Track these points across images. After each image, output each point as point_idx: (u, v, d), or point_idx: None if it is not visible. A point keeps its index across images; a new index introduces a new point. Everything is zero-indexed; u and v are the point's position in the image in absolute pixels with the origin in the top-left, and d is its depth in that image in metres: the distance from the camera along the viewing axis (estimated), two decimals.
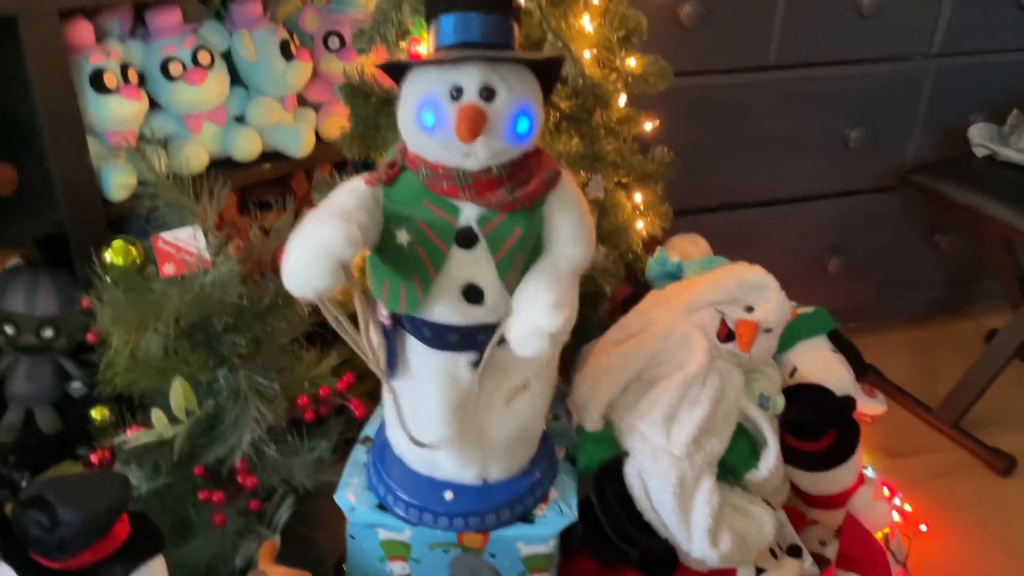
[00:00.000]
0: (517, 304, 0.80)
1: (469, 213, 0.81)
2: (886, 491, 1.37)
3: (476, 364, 0.87)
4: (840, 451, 1.20)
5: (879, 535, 1.21)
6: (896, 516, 1.34)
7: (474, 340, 0.85)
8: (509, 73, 0.77)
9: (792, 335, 1.28)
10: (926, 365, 1.87)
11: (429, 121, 0.77)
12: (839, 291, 1.85)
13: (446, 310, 0.83)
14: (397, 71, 0.81)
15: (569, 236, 0.84)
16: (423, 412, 0.90)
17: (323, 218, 0.77)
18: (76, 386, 1.20)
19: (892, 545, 1.24)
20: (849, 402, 1.22)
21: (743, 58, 1.56)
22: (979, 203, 1.56)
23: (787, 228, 1.75)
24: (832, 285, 1.83)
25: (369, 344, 0.84)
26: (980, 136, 1.66)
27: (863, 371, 1.29)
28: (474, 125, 0.74)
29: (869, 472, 1.40)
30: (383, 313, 0.86)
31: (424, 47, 1.02)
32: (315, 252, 0.73)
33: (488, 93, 0.76)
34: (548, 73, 0.82)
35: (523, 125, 0.79)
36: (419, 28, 1.00)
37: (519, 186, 0.81)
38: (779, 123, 1.63)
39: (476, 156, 0.78)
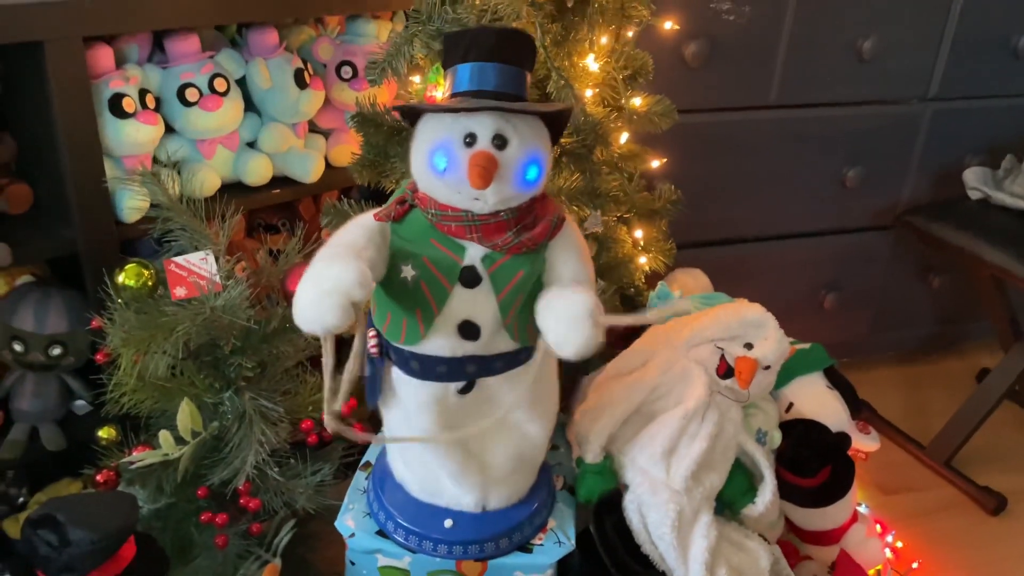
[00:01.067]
0: (542, 317, 0.82)
1: (474, 253, 0.83)
2: (878, 528, 1.39)
3: (463, 392, 0.89)
4: (835, 488, 1.21)
5: (871, 572, 1.22)
6: (888, 553, 1.35)
7: (462, 371, 0.87)
8: (521, 122, 0.80)
9: (789, 371, 1.30)
10: (917, 401, 1.89)
11: (441, 165, 0.80)
12: (833, 326, 1.87)
13: (440, 343, 0.85)
14: (412, 114, 0.84)
15: (569, 279, 0.86)
16: (412, 434, 0.91)
17: (334, 256, 0.78)
18: (81, 404, 1.21)
19: None
20: (845, 439, 1.24)
21: (745, 97, 1.59)
22: (972, 245, 1.58)
23: (784, 263, 1.77)
24: (826, 320, 1.85)
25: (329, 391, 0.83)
26: (975, 180, 1.69)
27: (858, 408, 1.31)
28: (486, 172, 0.77)
29: (863, 509, 1.41)
30: (371, 342, 0.88)
31: (439, 93, 1.04)
32: (326, 291, 0.75)
33: (500, 141, 0.79)
34: (557, 122, 0.85)
35: (532, 173, 0.81)
36: (435, 74, 1.02)
37: (525, 230, 0.83)
38: (779, 161, 1.66)
39: (486, 201, 0.80)
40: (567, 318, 0.79)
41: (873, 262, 1.84)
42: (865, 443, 1.34)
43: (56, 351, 1.13)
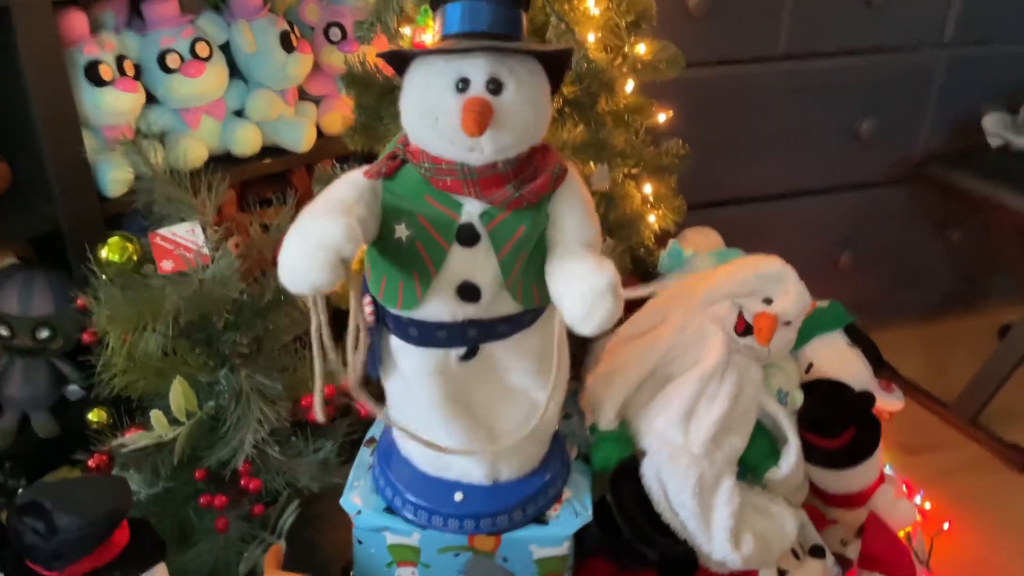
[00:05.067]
0: (558, 289, 0.77)
1: (471, 209, 0.78)
2: (904, 489, 1.34)
3: (465, 358, 0.84)
4: (861, 448, 1.17)
5: (901, 534, 1.17)
6: (917, 515, 1.31)
7: (464, 335, 0.82)
8: (518, 65, 0.75)
9: (808, 330, 1.25)
10: (938, 360, 1.83)
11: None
12: (850, 286, 1.81)
13: (438, 308, 0.80)
14: (400, 61, 0.78)
15: (574, 235, 0.81)
16: (419, 409, 0.87)
17: (322, 212, 0.74)
18: (73, 389, 1.17)
19: (914, 544, 1.20)
20: (868, 398, 1.19)
21: (752, 49, 1.53)
22: (993, 193, 1.53)
23: (797, 222, 1.71)
24: (843, 280, 1.80)
25: (353, 354, 0.79)
26: (994, 125, 1.63)
27: (881, 366, 1.26)
28: (481, 119, 0.72)
29: (888, 470, 1.37)
30: (367, 309, 0.83)
31: (429, 36, 0.99)
32: (314, 247, 0.70)
33: (495, 86, 0.74)
34: (558, 65, 0.79)
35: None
36: (424, 17, 0.97)
37: (525, 182, 0.78)
38: (788, 115, 1.60)
39: (481, 151, 0.75)
40: (587, 297, 0.74)
41: (890, 218, 1.79)
42: (889, 402, 1.29)
43: (43, 334, 1.09)
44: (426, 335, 0.82)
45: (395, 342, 0.85)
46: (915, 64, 1.64)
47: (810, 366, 1.24)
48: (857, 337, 1.27)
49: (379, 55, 0.82)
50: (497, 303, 0.81)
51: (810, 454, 1.16)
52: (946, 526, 1.28)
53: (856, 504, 1.19)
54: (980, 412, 1.60)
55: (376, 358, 0.87)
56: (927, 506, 1.34)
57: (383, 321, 0.85)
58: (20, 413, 1.14)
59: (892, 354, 1.75)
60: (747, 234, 1.62)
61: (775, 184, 1.67)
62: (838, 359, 1.23)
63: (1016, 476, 1.51)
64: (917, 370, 1.78)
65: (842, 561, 1.16)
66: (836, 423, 1.15)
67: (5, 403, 1.13)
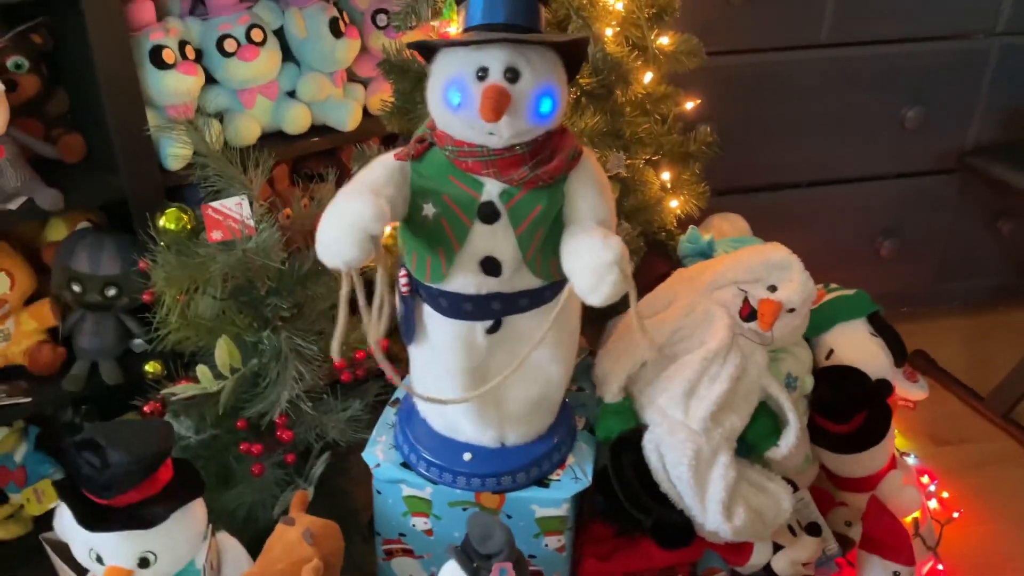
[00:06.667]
0: (569, 263, 0.83)
1: (492, 189, 0.85)
2: (926, 479, 1.36)
3: (491, 331, 0.91)
4: (869, 434, 1.19)
5: (908, 520, 1.20)
6: (934, 503, 1.32)
7: (488, 309, 0.89)
8: (533, 54, 0.80)
9: (830, 317, 1.28)
10: (981, 353, 1.81)
11: (455, 100, 0.81)
12: (892, 274, 1.81)
13: (463, 281, 0.87)
14: (428, 51, 0.85)
15: (589, 213, 0.86)
16: (440, 376, 0.94)
17: (354, 193, 0.81)
18: (138, 343, 1.28)
19: (923, 531, 1.23)
20: (884, 386, 1.21)
21: (794, 36, 1.53)
22: None
23: (838, 209, 1.72)
24: (884, 268, 1.79)
25: (376, 322, 0.86)
26: None
27: (903, 356, 1.28)
28: (497, 105, 0.78)
29: (911, 459, 1.38)
30: (402, 281, 0.91)
31: (454, 28, 1.05)
32: (345, 225, 0.78)
33: (512, 74, 0.80)
34: (573, 54, 0.85)
35: (546, 105, 0.82)
36: (449, 10, 1.03)
37: (541, 164, 0.84)
38: (832, 102, 1.60)
39: (500, 134, 0.81)
40: (594, 267, 0.79)
41: (937, 208, 1.77)
42: (911, 391, 1.31)
43: (111, 292, 1.21)
44: (454, 307, 0.89)
45: (428, 311, 0.92)
46: (966, 53, 1.62)
47: (831, 352, 1.27)
48: (881, 327, 1.29)
49: (409, 45, 0.89)
50: (518, 277, 0.88)
51: (819, 437, 1.20)
52: (956, 515, 1.30)
53: (864, 488, 1.21)
54: (1014, 407, 1.59)
55: (412, 327, 0.94)
56: (944, 495, 1.36)
57: (418, 292, 0.92)
58: (90, 362, 1.26)
59: (933, 344, 1.76)
60: (786, 220, 1.64)
61: (816, 171, 1.68)
62: (858, 347, 1.25)
63: None
64: (958, 361, 1.77)
65: (844, 541, 1.20)
66: (845, 409, 1.18)
67: (78, 353, 1.26)
